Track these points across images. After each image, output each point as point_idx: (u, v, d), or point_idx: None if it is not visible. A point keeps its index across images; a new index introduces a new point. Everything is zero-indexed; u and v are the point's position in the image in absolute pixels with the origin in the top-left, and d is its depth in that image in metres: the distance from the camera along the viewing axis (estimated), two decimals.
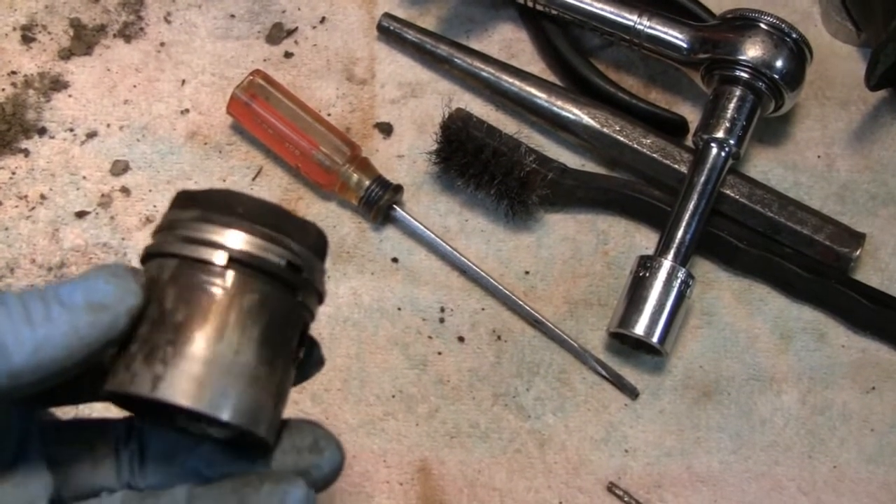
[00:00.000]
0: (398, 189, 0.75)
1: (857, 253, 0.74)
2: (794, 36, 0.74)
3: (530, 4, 0.81)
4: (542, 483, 0.69)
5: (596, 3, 0.79)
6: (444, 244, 0.74)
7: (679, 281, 0.70)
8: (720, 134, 0.74)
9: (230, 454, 0.46)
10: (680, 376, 0.72)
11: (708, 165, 0.74)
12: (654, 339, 0.69)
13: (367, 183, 0.74)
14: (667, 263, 0.71)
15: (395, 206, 0.75)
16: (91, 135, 0.77)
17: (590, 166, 0.79)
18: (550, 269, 0.75)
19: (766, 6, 0.76)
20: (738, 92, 0.74)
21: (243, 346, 0.44)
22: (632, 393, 0.72)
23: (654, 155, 0.77)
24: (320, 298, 0.48)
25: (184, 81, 0.79)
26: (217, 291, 0.44)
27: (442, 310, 0.73)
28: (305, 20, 0.83)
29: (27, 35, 0.80)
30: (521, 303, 0.73)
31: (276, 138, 0.75)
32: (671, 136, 0.78)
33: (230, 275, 0.44)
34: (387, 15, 0.82)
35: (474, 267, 0.74)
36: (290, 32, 0.82)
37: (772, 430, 0.71)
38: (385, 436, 0.69)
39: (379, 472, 0.68)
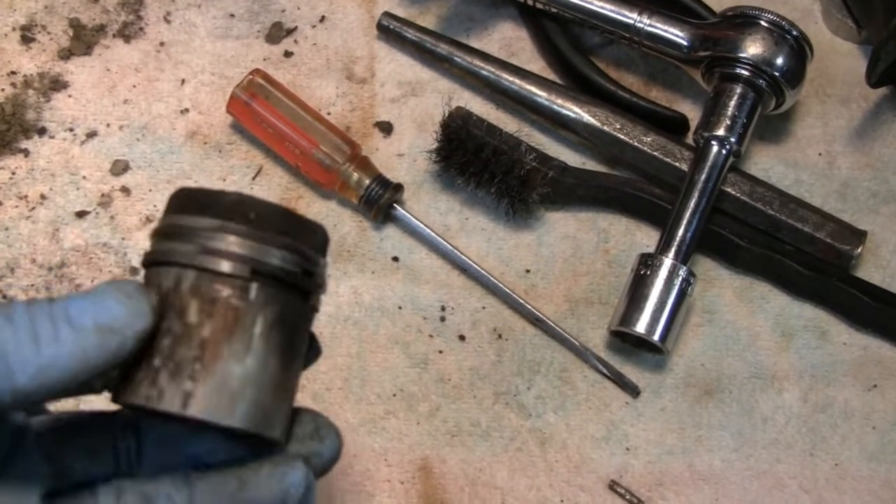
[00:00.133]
0: (398, 188, 0.75)
1: (859, 250, 0.74)
2: (794, 33, 0.74)
3: (530, 3, 0.81)
4: (543, 481, 0.69)
5: (596, 1, 0.79)
6: (444, 243, 0.74)
7: (680, 279, 0.70)
8: (721, 132, 0.74)
9: (231, 442, 0.46)
10: (681, 374, 0.72)
11: (709, 163, 0.74)
12: (656, 338, 0.69)
13: (368, 182, 0.74)
14: (668, 261, 0.71)
15: (395, 204, 0.75)
16: (91, 134, 0.77)
17: (590, 164, 0.79)
18: (551, 267, 0.75)
19: (767, 3, 0.76)
20: (738, 89, 0.74)
21: (268, 356, 0.44)
22: (633, 391, 0.72)
23: (655, 153, 0.77)
24: (324, 292, 0.48)
25: (183, 81, 0.79)
26: (241, 304, 0.44)
27: (443, 308, 0.73)
28: (305, 19, 0.83)
29: (27, 35, 0.80)
30: (521, 301, 0.73)
31: (276, 137, 0.75)
32: (672, 134, 0.78)
33: (254, 287, 0.44)
34: (386, 14, 0.82)
35: (475, 265, 0.74)
36: (290, 31, 0.82)
37: (773, 427, 0.71)
38: (386, 434, 0.69)
39: (380, 471, 0.68)
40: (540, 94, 0.79)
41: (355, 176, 0.74)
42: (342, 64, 0.81)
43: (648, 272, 0.70)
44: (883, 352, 0.74)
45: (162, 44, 0.81)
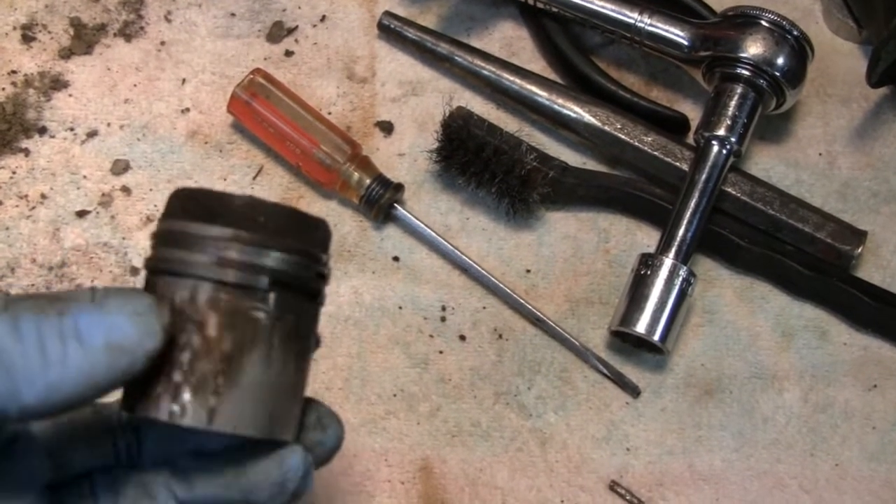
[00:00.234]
0: (399, 187, 0.75)
1: (859, 250, 0.74)
2: (795, 33, 0.74)
3: (531, 2, 0.81)
4: (543, 482, 0.69)
5: (597, 1, 0.79)
6: (445, 243, 0.74)
7: (680, 279, 0.70)
8: (721, 132, 0.74)
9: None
10: (681, 374, 0.72)
11: (709, 163, 0.74)
12: (656, 338, 0.69)
13: (368, 181, 0.74)
14: (668, 261, 0.71)
15: (395, 204, 0.75)
16: (91, 134, 0.77)
17: (591, 164, 0.79)
18: (552, 267, 0.75)
19: (768, 3, 0.76)
20: (739, 89, 0.74)
21: (286, 362, 0.44)
22: (633, 391, 0.72)
23: (656, 153, 0.77)
24: (327, 284, 0.48)
25: (184, 80, 0.79)
26: (261, 316, 0.43)
27: (443, 308, 0.73)
28: (306, 19, 0.82)
29: (27, 34, 0.80)
30: (522, 301, 0.73)
31: (277, 137, 0.75)
32: (672, 133, 0.78)
33: (272, 297, 0.44)
34: (387, 13, 0.82)
35: (475, 265, 0.74)
36: (291, 31, 0.82)
37: (774, 428, 0.71)
38: (386, 435, 0.69)
39: (380, 471, 0.68)
40: (541, 94, 0.79)
41: (356, 175, 0.74)
42: (343, 63, 0.81)
43: (649, 272, 0.70)
44: (883, 352, 0.74)
45: (163, 43, 0.81)
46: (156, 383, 0.42)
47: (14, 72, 0.78)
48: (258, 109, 0.75)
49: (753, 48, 0.74)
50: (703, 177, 0.73)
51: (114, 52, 0.80)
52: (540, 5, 0.80)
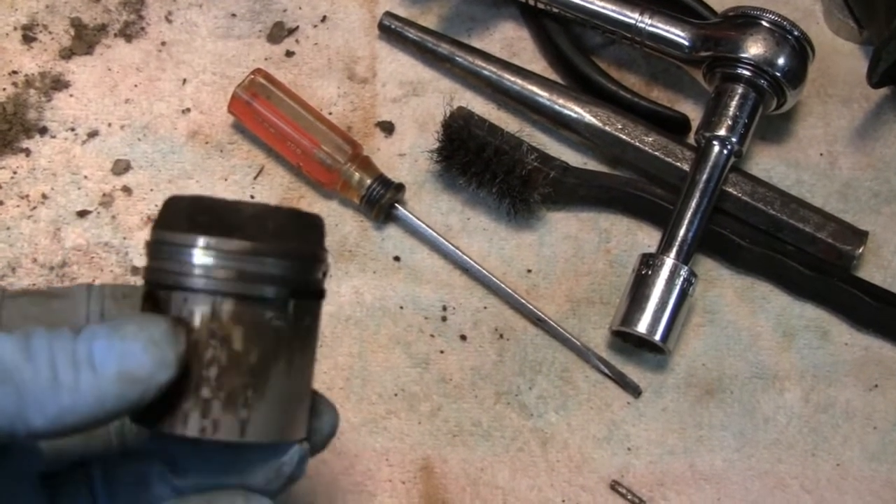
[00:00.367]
0: (400, 188, 0.75)
1: (860, 251, 0.74)
2: (795, 33, 0.74)
3: (532, 3, 0.81)
4: (544, 481, 0.69)
5: (597, 1, 0.79)
6: (446, 243, 0.74)
7: (681, 279, 0.70)
8: (722, 132, 0.74)
9: None
10: (682, 374, 0.72)
11: (710, 163, 0.74)
12: (657, 338, 0.69)
13: (369, 182, 0.74)
14: (669, 261, 0.71)
15: (396, 204, 0.75)
16: (92, 134, 0.77)
17: (592, 164, 0.79)
18: (553, 267, 0.75)
19: (768, 4, 0.76)
20: (739, 90, 0.74)
21: (304, 366, 0.45)
22: (634, 391, 0.72)
23: (656, 153, 0.77)
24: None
25: (185, 81, 0.79)
26: (282, 324, 0.43)
27: (444, 308, 0.73)
28: (306, 19, 0.82)
29: (28, 35, 0.80)
30: (523, 301, 0.73)
31: (278, 137, 0.75)
32: (673, 134, 0.78)
33: (291, 305, 0.44)
34: (388, 13, 0.82)
35: (476, 265, 0.74)
36: (292, 31, 0.82)
37: (775, 428, 0.71)
38: (387, 434, 0.69)
39: (381, 471, 0.68)
40: (541, 95, 0.79)
41: (357, 176, 0.74)
42: (343, 64, 0.81)
43: (650, 272, 0.70)
44: (884, 352, 0.74)
45: (163, 43, 0.81)
46: (182, 400, 0.42)
47: (15, 72, 0.78)
48: (259, 110, 0.75)
49: (754, 48, 0.74)
50: (704, 177, 0.73)
51: (114, 52, 0.80)
52: (541, 6, 0.80)
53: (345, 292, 0.73)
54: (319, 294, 0.46)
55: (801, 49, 0.74)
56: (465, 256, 0.74)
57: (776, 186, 0.77)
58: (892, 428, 0.71)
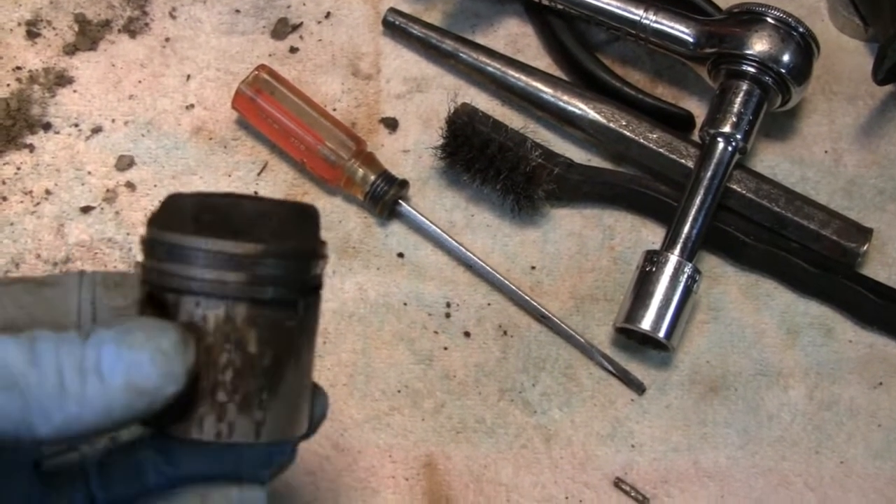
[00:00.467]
0: (404, 184, 0.75)
1: (865, 248, 0.74)
2: (800, 30, 0.74)
3: None
4: (548, 478, 0.69)
5: None
6: (449, 239, 0.74)
7: (685, 276, 0.70)
8: (727, 129, 0.74)
9: None
10: (686, 371, 0.72)
11: (714, 160, 0.74)
12: (661, 335, 0.69)
13: (373, 178, 0.74)
14: (673, 258, 0.70)
15: (400, 200, 0.75)
16: (96, 130, 0.77)
17: (596, 161, 0.79)
18: (557, 264, 0.75)
19: (773, 0, 0.76)
20: (744, 86, 0.74)
21: (309, 362, 0.45)
22: (638, 388, 0.72)
23: (661, 150, 0.77)
24: None
25: (189, 77, 0.79)
26: (293, 323, 0.44)
27: (448, 305, 0.73)
28: (310, 15, 0.82)
29: (32, 30, 0.80)
30: (527, 298, 0.73)
31: (282, 133, 0.75)
32: (678, 130, 0.78)
33: (301, 305, 0.44)
34: (392, 10, 0.82)
35: (480, 262, 0.74)
36: (296, 27, 0.82)
37: (779, 425, 0.71)
38: (391, 431, 0.69)
39: (385, 467, 0.68)
40: (546, 91, 0.79)
41: (360, 172, 0.74)
42: (347, 60, 0.81)
43: (654, 269, 0.70)
44: (889, 349, 0.74)
45: (167, 39, 0.81)
46: (196, 404, 0.42)
47: (19, 68, 0.78)
48: (263, 106, 0.74)
49: (759, 45, 0.73)
50: (709, 174, 0.73)
51: (118, 48, 0.80)
52: (545, 2, 0.80)
53: (348, 289, 0.73)
54: (320, 286, 0.46)
55: (806, 46, 0.74)
56: (468, 253, 0.74)
57: (781, 183, 0.77)
58: None
